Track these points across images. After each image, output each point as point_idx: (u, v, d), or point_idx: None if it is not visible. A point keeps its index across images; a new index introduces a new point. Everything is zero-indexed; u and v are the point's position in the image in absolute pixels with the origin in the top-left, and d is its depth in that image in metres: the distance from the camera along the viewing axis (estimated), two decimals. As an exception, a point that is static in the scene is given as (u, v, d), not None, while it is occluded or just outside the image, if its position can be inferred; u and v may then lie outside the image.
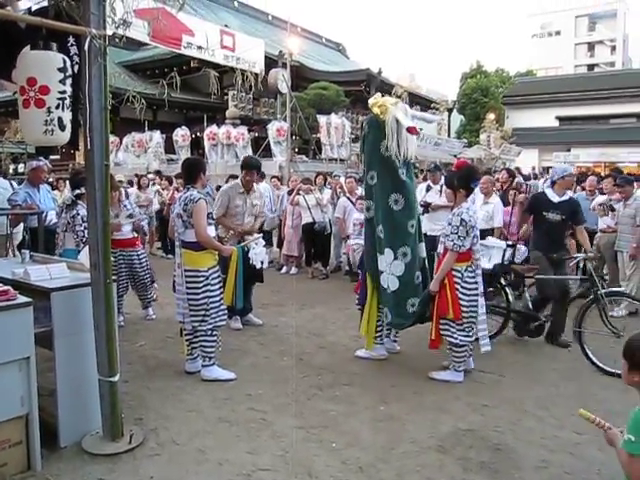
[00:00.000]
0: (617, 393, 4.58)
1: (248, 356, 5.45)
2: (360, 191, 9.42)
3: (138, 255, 6.65)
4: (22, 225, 6.74)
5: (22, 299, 3.28)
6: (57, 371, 3.58)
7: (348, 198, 9.29)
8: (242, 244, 5.77)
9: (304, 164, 19.56)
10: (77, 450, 3.58)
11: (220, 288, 5.02)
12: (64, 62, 3.24)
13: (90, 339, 3.62)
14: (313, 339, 6.10)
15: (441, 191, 8.00)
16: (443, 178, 8.26)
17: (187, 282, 4.80)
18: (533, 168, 27.85)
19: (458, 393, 4.59)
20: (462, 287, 4.76)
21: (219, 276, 5.01)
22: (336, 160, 19.92)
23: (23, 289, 3.48)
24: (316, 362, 5.36)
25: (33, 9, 3.88)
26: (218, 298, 4.95)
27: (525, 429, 3.96)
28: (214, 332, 4.93)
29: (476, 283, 4.84)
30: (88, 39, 3.28)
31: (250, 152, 19.21)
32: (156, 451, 3.62)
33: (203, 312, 4.83)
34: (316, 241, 9.73)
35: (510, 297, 5.79)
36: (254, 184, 6.50)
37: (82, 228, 5.35)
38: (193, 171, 5.04)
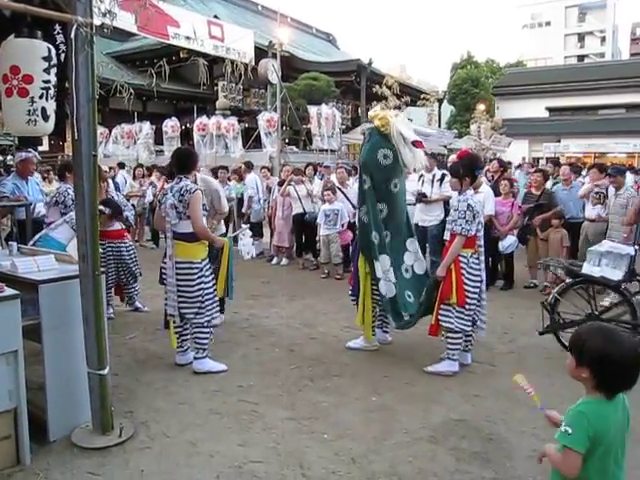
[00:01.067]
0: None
1: (239, 347, 5.43)
2: (351, 182, 9.40)
3: (126, 247, 6.60)
4: (10, 217, 6.66)
5: (9, 292, 3.23)
6: (46, 364, 3.54)
7: (339, 188, 9.24)
8: (230, 235, 5.73)
9: (295, 155, 19.50)
10: (67, 444, 3.54)
11: (213, 279, 4.98)
12: (49, 51, 3.19)
13: (79, 332, 3.58)
14: (304, 330, 6.09)
15: (434, 180, 7.95)
16: (436, 167, 8.25)
17: (179, 274, 4.74)
18: (523, 159, 27.93)
19: (450, 384, 4.60)
20: (467, 273, 4.77)
21: (211, 267, 4.98)
22: (327, 151, 19.82)
23: (10, 281, 3.43)
24: (307, 353, 5.34)
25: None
26: (212, 290, 4.91)
27: (517, 419, 3.97)
28: (209, 324, 4.90)
29: (480, 270, 4.86)
30: (74, 27, 3.21)
31: (240, 143, 19.13)
32: (147, 444, 3.59)
33: (198, 304, 4.78)
34: (306, 232, 9.70)
35: (638, 310, 5.16)
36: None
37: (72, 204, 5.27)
38: (186, 161, 4.98)
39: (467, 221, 4.72)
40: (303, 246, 9.87)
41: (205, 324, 4.85)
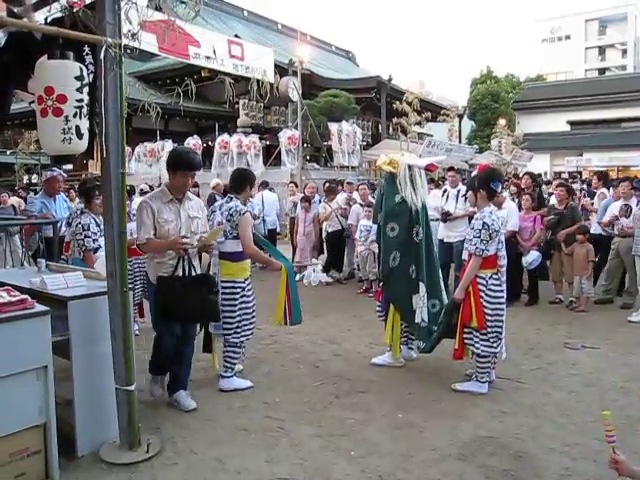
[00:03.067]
0: (638, 400, 4.51)
1: (264, 364, 5.42)
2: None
3: None
4: (37, 235, 6.77)
5: (40, 308, 3.28)
6: (74, 380, 3.57)
7: (361, 205, 9.26)
8: (297, 264, 5.72)
9: (315, 172, 19.56)
10: (94, 459, 3.56)
11: (254, 300, 4.97)
12: (81, 71, 3.25)
13: (107, 348, 3.62)
14: (328, 346, 6.07)
15: (458, 196, 7.93)
16: (460, 182, 8.24)
17: (223, 294, 4.75)
18: (545, 173, 27.74)
19: (477, 400, 4.54)
20: (487, 295, 4.62)
21: (252, 287, 4.97)
22: (347, 167, 19.88)
23: (40, 298, 3.48)
24: (332, 369, 5.32)
25: (49, 20, 3.90)
26: (251, 310, 4.93)
27: (546, 436, 3.90)
28: (242, 344, 4.95)
29: (502, 291, 4.71)
30: (104, 48, 3.29)
31: (261, 160, 19.27)
32: (174, 460, 3.60)
33: (236, 324, 4.80)
34: (336, 248, 9.79)
35: None
36: (189, 192, 4.58)
37: (82, 237, 5.28)
38: (242, 182, 5.00)
39: (482, 240, 4.58)
40: (331, 263, 9.88)
41: (239, 344, 4.88)
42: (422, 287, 5.17)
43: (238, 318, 4.79)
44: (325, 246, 10.22)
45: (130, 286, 3.77)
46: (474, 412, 4.31)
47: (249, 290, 4.88)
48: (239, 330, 4.82)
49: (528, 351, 5.82)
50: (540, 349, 5.89)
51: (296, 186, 12.41)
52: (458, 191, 7.98)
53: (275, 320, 5.11)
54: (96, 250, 5.29)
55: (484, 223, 4.62)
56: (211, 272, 4.83)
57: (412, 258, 5.19)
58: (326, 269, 9.86)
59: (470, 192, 4.89)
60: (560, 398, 4.59)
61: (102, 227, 5.36)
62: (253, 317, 4.95)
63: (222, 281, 4.76)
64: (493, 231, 4.60)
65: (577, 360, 5.55)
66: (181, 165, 4.35)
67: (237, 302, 4.78)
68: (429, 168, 5.21)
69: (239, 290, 4.78)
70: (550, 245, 7.90)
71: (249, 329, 4.92)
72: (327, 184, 10.84)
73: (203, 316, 4.59)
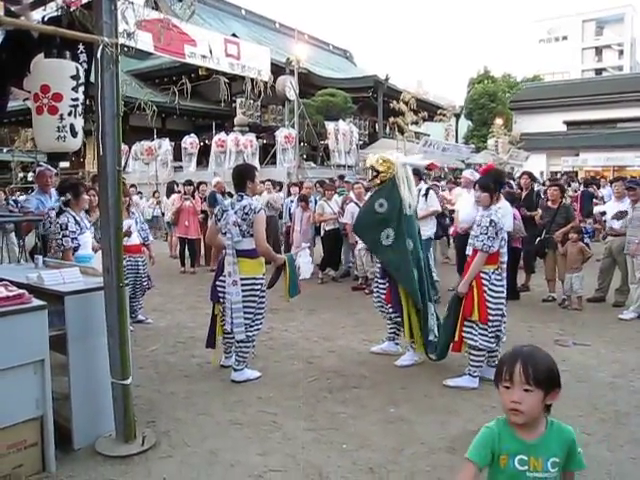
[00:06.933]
0: (626, 395, 4.60)
1: (258, 360, 5.48)
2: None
3: (142, 261, 6.85)
4: (34, 232, 6.81)
5: (37, 302, 3.33)
6: (71, 374, 3.63)
7: (356, 204, 9.32)
8: (291, 253, 5.82)
9: (312, 170, 19.63)
10: (91, 452, 3.62)
11: (266, 295, 5.07)
12: (77, 70, 3.31)
13: (103, 342, 3.67)
14: (322, 343, 6.13)
15: (419, 196, 7.76)
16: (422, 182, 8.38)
17: (244, 290, 4.82)
18: (541, 173, 27.82)
19: (467, 395, 4.61)
20: (490, 290, 4.74)
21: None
22: (344, 166, 19.96)
23: (37, 293, 3.53)
24: (325, 366, 5.39)
25: (46, 18, 3.95)
26: (264, 305, 5.03)
27: (535, 430, 3.96)
28: (254, 338, 5.03)
29: (503, 287, 4.83)
30: (101, 47, 3.34)
31: (257, 159, 19.33)
32: (168, 453, 3.65)
33: (252, 318, 4.90)
34: (333, 246, 9.83)
35: None
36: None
37: (60, 236, 5.24)
38: (243, 178, 5.06)
39: (489, 237, 4.70)
40: (327, 261, 9.95)
41: (251, 338, 4.96)
42: (430, 306, 5.31)
43: (255, 312, 4.89)
44: (322, 244, 10.26)
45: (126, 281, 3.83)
46: (464, 407, 4.37)
47: (264, 286, 4.98)
48: (253, 324, 4.92)
49: (520, 348, 5.88)
50: (532, 346, 5.95)
51: (299, 188, 12.37)
52: (419, 190, 8.02)
53: (285, 298, 5.27)
54: (75, 249, 5.28)
55: (491, 220, 4.74)
56: (225, 271, 4.88)
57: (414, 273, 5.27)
58: (322, 267, 9.91)
59: (485, 194, 4.90)
60: (550, 394, 4.65)
61: (82, 224, 5.41)
62: (265, 311, 5.08)
63: (242, 278, 4.81)
64: (499, 228, 4.75)
65: (568, 356, 5.62)
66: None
67: (257, 297, 4.89)
68: (430, 167, 5.32)
69: (259, 286, 4.89)
70: (544, 244, 7.97)
71: (261, 322, 5.04)
72: (322, 183, 10.94)
73: None
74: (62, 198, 5.52)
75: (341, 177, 12.91)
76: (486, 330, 4.74)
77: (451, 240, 10.41)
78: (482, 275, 4.76)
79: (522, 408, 1.81)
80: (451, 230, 10.53)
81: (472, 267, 4.80)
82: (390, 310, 5.52)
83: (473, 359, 4.82)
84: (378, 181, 5.44)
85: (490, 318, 4.72)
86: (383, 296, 5.51)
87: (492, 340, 4.78)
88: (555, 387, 1.85)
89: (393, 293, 5.41)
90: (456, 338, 4.90)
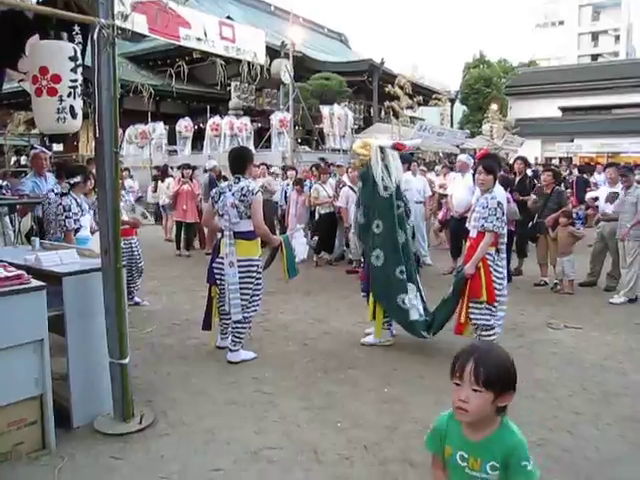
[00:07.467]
0: (615, 376, 4.69)
1: (254, 342, 5.53)
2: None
3: (135, 243, 6.93)
4: (30, 214, 6.81)
5: (35, 283, 3.37)
6: (69, 354, 3.68)
7: (351, 187, 9.35)
8: (286, 234, 5.89)
9: (307, 154, 19.60)
10: (90, 430, 3.68)
11: (262, 276, 5.11)
12: (75, 51, 3.32)
13: (101, 323, 3.72)
14: (317, 325, 6.20)
15: None
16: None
17: (241, 272, 4.87)
18: (536, 159, 27.83)
19: (460, 376, 4.68)
20: (495, 270, 4.86)
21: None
22: (339, 151, 19.92)
23: (35, 275, 3.56)
24: (321, 347, 5.46)
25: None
26: (261, 286, 5.09)
27: (525, 410, 4.03)
28: (251, 319, 5.10)
29: (503, 267, 5.00)
30: (97, 29, 3.35)
31: (252, 143, 19.27)
32: (166, 431, 3.72)
33: (249, 299, 4.96)
34: (328, 230, 9.88)
35: None
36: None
37: (63, 217, 5.36)
38: (242, 161, 5.09)
39: (498, 218, 4.81)
40: (323, 245, 9.99)
41: (248, 319, 5.03)
42: (412, 288, 5.30)
43: (251, 293, 4.94)
44: (316, 227, 10.29)
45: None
46: (457, 387, 4.45)
47: (260, 267, 5.04)
48: (250, 306, 4.99)
49: (511, 330, 5.96)
50: (524, 329, 6.05)
51: (295, 171, 12.35)
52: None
53: (284, 279, 5.41)
54: (77, 230, 5.39)
55: (499, 202, 4.88)
56: (222, 253, 4.92)
57: (398, 259, 5.26)
58: (317, 251, 9.96)
59: (490, 176, 4.96)
60: (540, 375, 4.75)
61: (83, 207, 5.50)
62: (261, 292, 5.14)
63: (239, 260, 4.86)
64: (504, 210, 4.90)
65: (559, 339, 5.71)
66: None
67: (253, 279, 4.94)
68: (397, 147, 5.32)
69: (255, 267, 4.95)
70: (536, 228, 8.04)
71: (258, 304, 5.10)
72: (317, 166, 10.93)
73: None
74: (73, 180, 5.60)
75: (322, 159, 12.92)
76: (491, 310, 4.86)
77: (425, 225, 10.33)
78: (487, 257, 4.86)
79: (468, 407, 1.75)
80: (440, 215, 10.62)
81: (480, 248, 4.84)
82: (361, 288, 5.69)
83: (484, 339, 4.84)
84: (358, 164, 5.56)
85: (497, 298, 4.85)
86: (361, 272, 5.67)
87: (497, 318, 4.93)
88: (507, 390, 1.78)
89: (366, 272, 5.54)
90: (462, 320, 4.94)
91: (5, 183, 9.44)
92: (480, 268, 4.83)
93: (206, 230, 10.89)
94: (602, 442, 3.57)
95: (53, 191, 5.79)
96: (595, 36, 64.23)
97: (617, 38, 63.21)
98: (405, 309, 5.21)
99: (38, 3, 3.91)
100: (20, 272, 3.35)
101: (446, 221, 10.78)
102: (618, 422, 3.85)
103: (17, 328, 3.24)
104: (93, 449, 3.46)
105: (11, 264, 3.59)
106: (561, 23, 64.76)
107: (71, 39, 3.65)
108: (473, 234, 5.02)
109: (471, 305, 4.88)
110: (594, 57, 60.18)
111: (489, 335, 4.89)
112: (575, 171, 18.57)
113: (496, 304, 4.88)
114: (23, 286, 3.28)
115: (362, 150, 5.36)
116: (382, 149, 5.27)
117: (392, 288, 5.25)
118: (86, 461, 3.33)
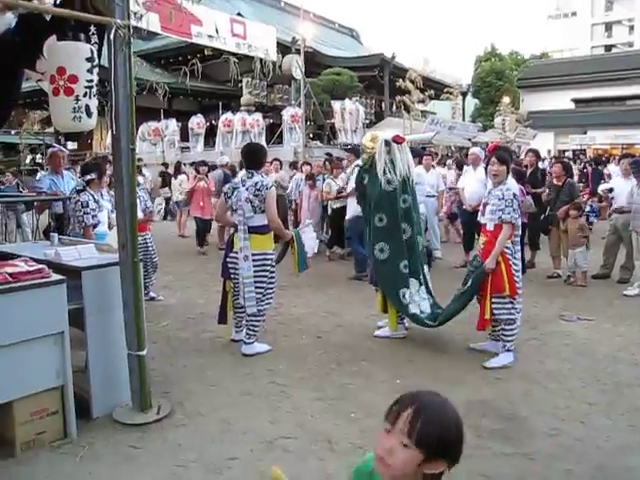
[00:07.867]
0: (627, 367, 4.71)
1: (268, 334, 5.61)
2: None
3: (150, 239, 7.03)
4: (47, 211, 6.95)
5: (56, 277, 3.46)
6: (89, 346, 3.77)
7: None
8: (297, 229, 5.97)
9: (319, 149, 19.65)
10: (109, 420, 3.77)
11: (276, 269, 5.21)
12: (91, 52, 3.40)
13: (119, 316, 3.81)
14: (330, 318, 6.26)
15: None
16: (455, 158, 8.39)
17: (256, 266, 4.94)
18: (549, 151, 27.70)
19: (472, 367, 4.73)
20: (514, 263, 4.81)
21: None
22: (350, 145, 19.96)
23: (55, 269, 3.65)
24: (334, 340, 5.52)
25: (58, 1, 4.03)
26: (275, 279, 5.18)
27: (537, 400, 4.09)
28: (265, 312, 5.19)
29: (519, 259, 4.96)
30: (114, 29, 3.43)
31: (264, 139, 19.36)
32: (182, 422, 3.81)
33: (263, 292, 5.04)
34: (339, 225, 9.91)
35: None
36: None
37: (81, 213, 5.47)
38: (256, 156, 5.18)
39: (514, 210, 4.76)
40: (335, 239, 10.03)
41: (262, 312, 5.11)
42: (414, 283, 5.32)
43: (265, 286, 5.03)
44: (329, 222, 10.32)
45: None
46: (469, 378, 4.50)
47: (274, 261, 5.13)
48: (264, 299, 5.07)
49: (525, 323, 5.93)
50: (537, 321, 6.07)
51: (311, 166, 12.37)
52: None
53: (295, 273, 5.56)
54: (95, 226, 5.50)
55: (514, 194, 4.87)
56: (236, 247, 5.00)
57: (402, 253, 5.28)
58: (330, 245, 10.01)
59: (503, 167, 4.94)
60: (553, 366, 4.78)
61: (100, 203, 5.63)
62: (275, 286, 5.23)
63: (253, 254, 4.93)
64: (519, 201, 4.91)
65: (571, 331, 5.73)
66: None
67: (268, 272, 5.02)
68: (396, 139, 5.34)
69: (269, 261, 5.03)
70: (548, 221, 8.05)
71: (272, 297, 5.19)
72: (329, 161, 10.94)
73: None
74: (87, 177, 5.72)
75: (329, 155, 12.93)
76: (513, 303, 4.81)
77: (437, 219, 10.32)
78: (506, 250, 4.79)
79: (390, 462, 1.38)
80: (444, 208, 10.61)
81: (499, 242, 4.74)
82: (369, 280, 5.78)
83: (507, 333, 4.84)
84: (366, 157, 5.58)
85: (517, 291, 4.81)
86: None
87: (519, 310, 4.90)
88: (443, 457, 1.38)
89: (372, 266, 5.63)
90: (486, 316, 4.81)
91: (15, 181, 9.57)
92: (500, 262, 4.74)
93: (218, 225, 10.95)
94: (614, 432, 3.60)
95: (75, 189, 5.91)
96: (609, 26, 63.49)
97: (631, 28, 62.41)
98: (405, 304, 5.24)
99: (55, 5, 3.99)
100: (41, 266, 3.44)
101: (451, 214, 10.81)
102: (630, 412, 3.88)
103: (39, 321, 3.33)
104: (112, 438, 3.55)
105: (32, 259, 3.69)
106: (574, 14, 64.08)
107: (88, 40, 3.73)
108: (490, 227, 4.92)
109: (494, 300, 4.77)
110: (608, 48, 59.51)
111: (512, 330, 4.84)
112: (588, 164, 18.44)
113: (517, 297, 4.82)
114: (44, 280, 3.37)
115: (370, 143, 5.39)
116: (387, 142, 5.30)
117: (395, 281, 5.28)
118: (106, 450, 3.42)
